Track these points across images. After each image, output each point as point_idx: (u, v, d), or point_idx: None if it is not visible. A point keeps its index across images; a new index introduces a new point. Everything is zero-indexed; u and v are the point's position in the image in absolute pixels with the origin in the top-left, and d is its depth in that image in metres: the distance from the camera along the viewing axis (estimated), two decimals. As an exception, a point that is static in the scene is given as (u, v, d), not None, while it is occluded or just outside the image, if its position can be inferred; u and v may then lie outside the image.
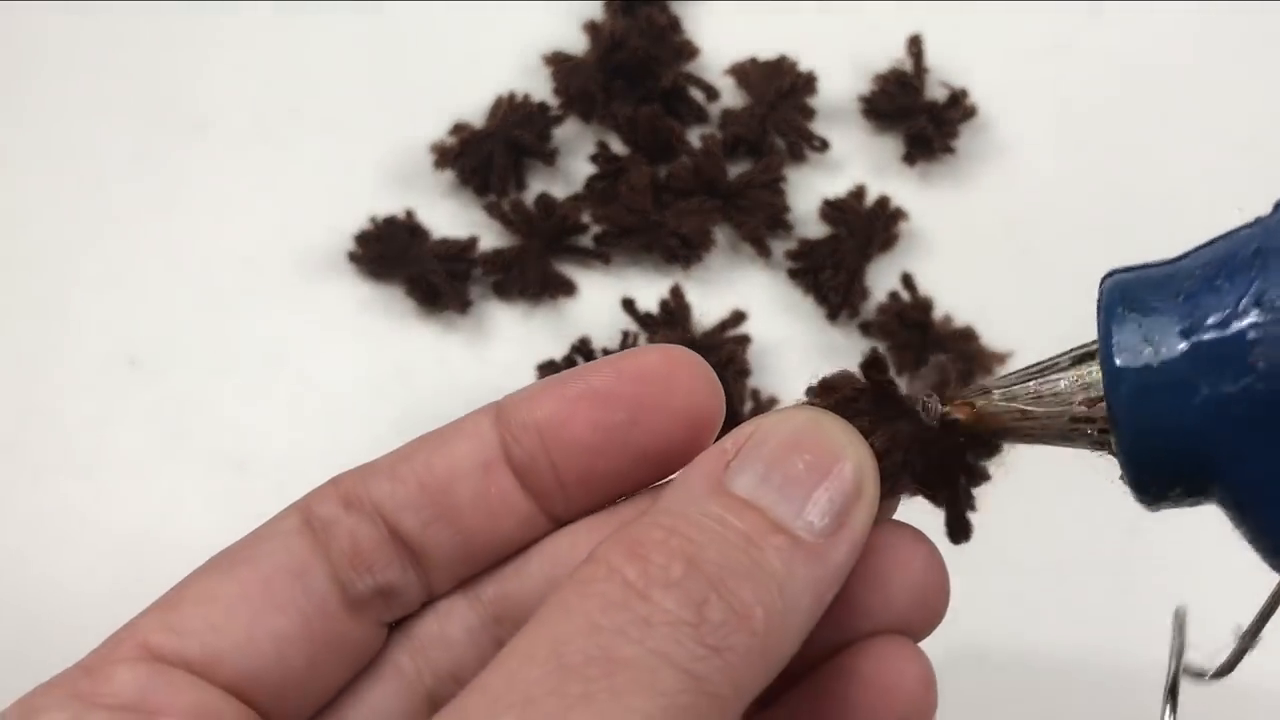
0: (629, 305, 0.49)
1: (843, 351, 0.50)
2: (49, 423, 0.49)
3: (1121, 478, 0.23)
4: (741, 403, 0.47)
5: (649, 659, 0.19)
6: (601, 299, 0.51)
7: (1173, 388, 0.21)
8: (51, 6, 0.58)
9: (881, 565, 0.24)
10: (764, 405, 0.48)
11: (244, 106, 0.56)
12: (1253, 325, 0.21)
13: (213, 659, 0.23)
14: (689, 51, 0.56)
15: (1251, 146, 0.54)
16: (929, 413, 0.24)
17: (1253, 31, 0.57)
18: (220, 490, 0.47)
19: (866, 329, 0.50)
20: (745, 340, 0.49)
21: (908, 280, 0.50)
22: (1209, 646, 0.43)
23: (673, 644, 0.19)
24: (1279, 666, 0.44)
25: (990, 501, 0.45)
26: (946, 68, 0.55)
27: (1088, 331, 0.23)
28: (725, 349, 0.48)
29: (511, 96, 0.54)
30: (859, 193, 0.52)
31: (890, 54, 0.55)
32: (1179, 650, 0.25)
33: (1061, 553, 0.46)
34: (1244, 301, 0.21)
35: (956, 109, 0.53)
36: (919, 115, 0.53)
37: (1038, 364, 0.24)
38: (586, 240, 0.52)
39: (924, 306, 0.49)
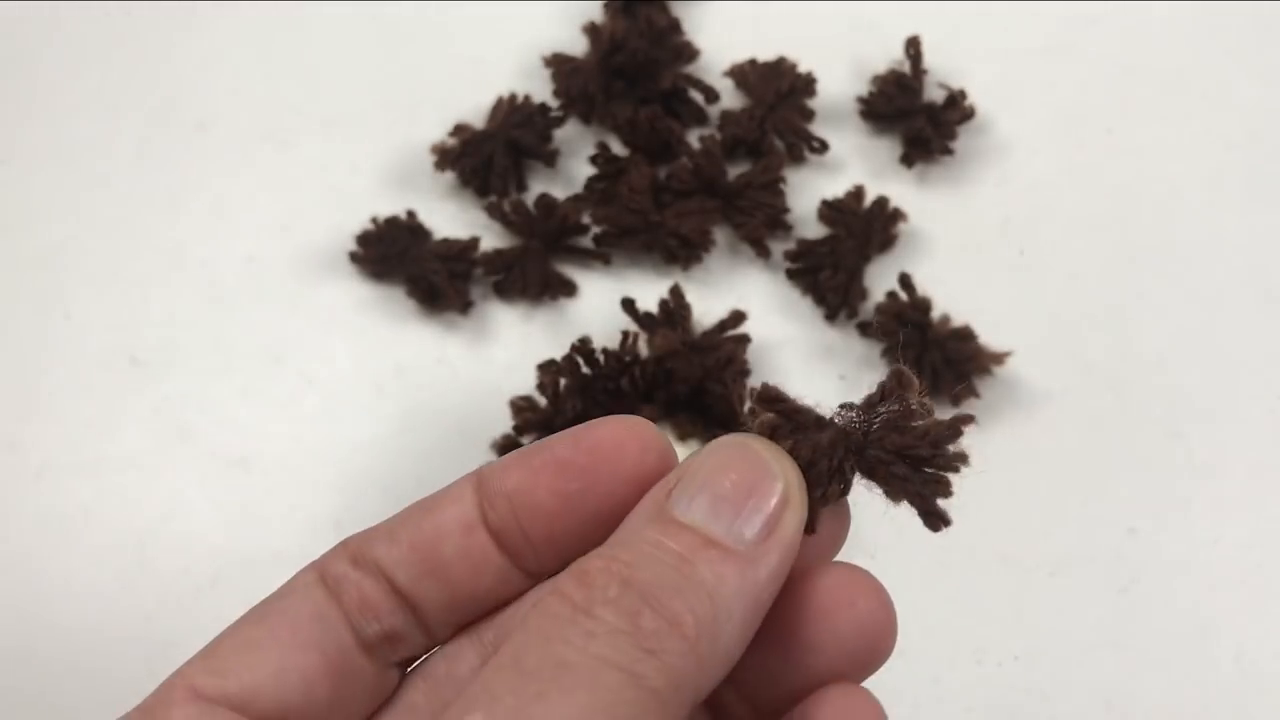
0: (629, 305, 0.49)
1: (841, 351, 0.50)
2: (50, 421, 0.49)
3: None
4: (741, 403, 0.48)
5: (592, 663, 0.22)
6: (601, 299, 0.51)
7: None
8: (53, 6, 0.58)
9: (831, 603, 0.26)
10: (764, 405, 0.48)
11: (246, 107, 0.56)
12: None
13: (250, 694, 0.26)
14: (689, 53, 0.56)
15: (1250, 146, 0.55)
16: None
17: (1251, 32, 0.57)
18: (221, 489, 0.47)
19: (865, 329, 0.50)
20: (745, 340, 0.49)
21: (906, 280, 0.50)
22: (1210, 648, 0.44)
23: (611, 649, 0.23)
24: (1279, 667, 0.44)
25: (990, 501, 0.46)
26: (945, 69, 0.56)
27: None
28: (725, 349, 0.48)
29: (512, 97, 0.54)
30: (858, 193, 0.52)
31: (889, 55, 0.55)
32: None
33: (1061, 553, 0.46)
34: None
35: (955, 110, 0.54)
36: (917, 116, 0.53)
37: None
38: (586, 241, 0.52)
39: (922, 307, 0.49)
